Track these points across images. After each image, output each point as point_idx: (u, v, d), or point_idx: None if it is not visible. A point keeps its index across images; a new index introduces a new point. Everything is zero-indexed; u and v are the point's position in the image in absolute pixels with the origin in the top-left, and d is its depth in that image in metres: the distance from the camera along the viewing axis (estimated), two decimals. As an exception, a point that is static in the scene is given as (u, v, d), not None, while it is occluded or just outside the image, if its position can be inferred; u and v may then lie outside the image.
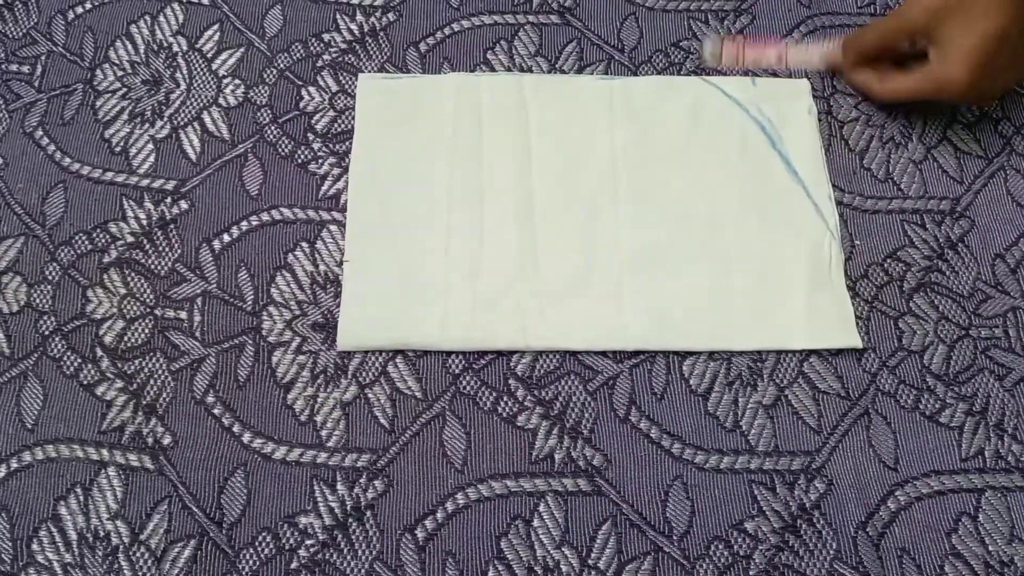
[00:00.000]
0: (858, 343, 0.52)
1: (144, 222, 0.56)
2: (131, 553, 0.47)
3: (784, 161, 0.57)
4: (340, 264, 0.54)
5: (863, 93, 0.60)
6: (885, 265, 0.55)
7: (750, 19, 0.63)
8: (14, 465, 0.49)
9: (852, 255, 0.55)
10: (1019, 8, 0.51)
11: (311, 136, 0.58)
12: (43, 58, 0.61)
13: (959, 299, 0.54)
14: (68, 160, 0.57)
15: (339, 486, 0.49)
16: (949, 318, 0.54)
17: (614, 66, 0.61)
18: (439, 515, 0.49)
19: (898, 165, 0.58)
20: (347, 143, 0.58)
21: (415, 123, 0.58)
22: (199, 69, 0.61)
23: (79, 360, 0.52)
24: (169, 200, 0.56)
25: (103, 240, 0.55)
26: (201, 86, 0.60)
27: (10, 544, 0.47)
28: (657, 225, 0.56)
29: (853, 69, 0.59)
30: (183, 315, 0.53)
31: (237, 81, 0.60)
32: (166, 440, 0.50)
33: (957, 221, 0.57)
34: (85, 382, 0.51)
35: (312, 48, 0.61)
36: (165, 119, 0.59)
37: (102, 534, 0.48)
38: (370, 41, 0.62)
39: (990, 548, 0.48)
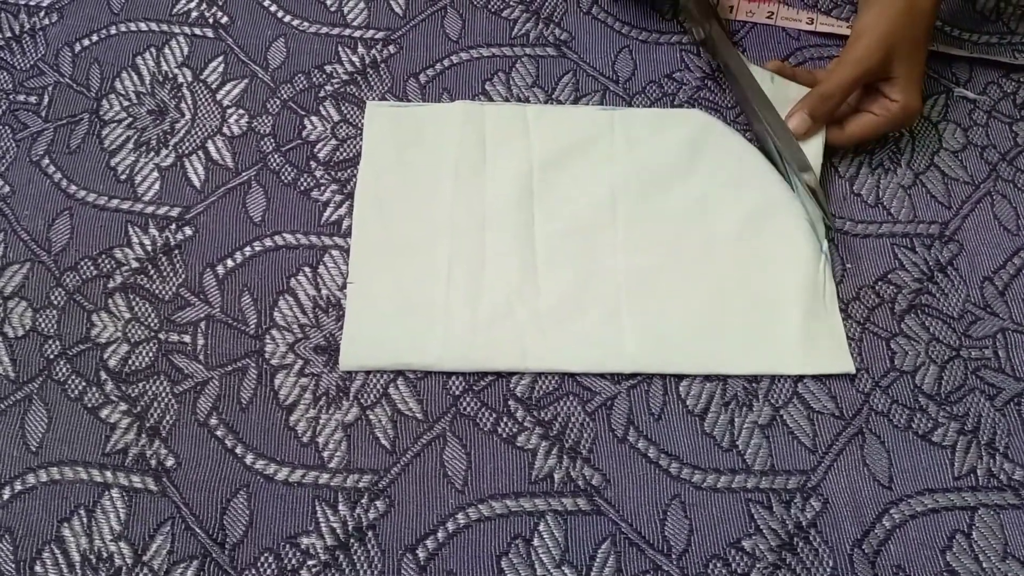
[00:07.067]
0: (851, 369, 0.53)
1: (149, 248, 0.56)
2: (134, 574, 0.47)
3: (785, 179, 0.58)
4: (342, 288, 0.55)
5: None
6: (876, 288, 0.56)
7: (741, 50, 0.65)
8: (18, 487, 0.50)
9: (844, 278, 0.56)
10: (931, 31, 0.57)
11: (313, 164, 0.60)
12: (50, 89, 0.62)
13: (949, 321, 0.55)
14: (74, 188, 0.58)
15: (341, 507, 0.50)
16: (940, 339, 0.55)
17: (609, 96, 0.63)
18: (440, 535, 0.49)
19: (887, 190, 0.60)
20: (349, 171, 0.59)
21: (421, 149, 0.60)
22: (204, 99, 0.62)
23: (83, 383, 0.52)
24: (174, 226, 0.57)
25: (108, 266, 0.56)
26: (206, 116, 0.61)
27: (13, 566, 0.48)
28: (654, 250, 0.57)
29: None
30: (187, 339, 0.54)
31: (241, 111, 0.62)
32: (169, 462, 0.50)
33: (946, 245, 0.58)
34: (89, 405, 0.52)
35: (315, 79, 0.63)
36: (170, 148, 0.60)
37: (105, 555, 0.48)
38: (371, 72, 0.63)
39: (984, 565, 0.49)
